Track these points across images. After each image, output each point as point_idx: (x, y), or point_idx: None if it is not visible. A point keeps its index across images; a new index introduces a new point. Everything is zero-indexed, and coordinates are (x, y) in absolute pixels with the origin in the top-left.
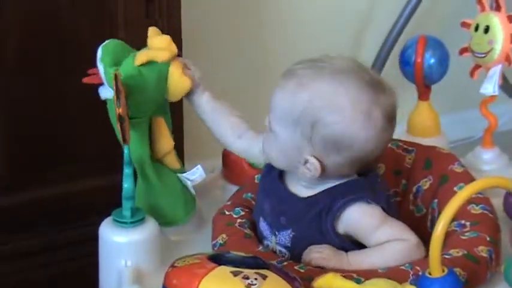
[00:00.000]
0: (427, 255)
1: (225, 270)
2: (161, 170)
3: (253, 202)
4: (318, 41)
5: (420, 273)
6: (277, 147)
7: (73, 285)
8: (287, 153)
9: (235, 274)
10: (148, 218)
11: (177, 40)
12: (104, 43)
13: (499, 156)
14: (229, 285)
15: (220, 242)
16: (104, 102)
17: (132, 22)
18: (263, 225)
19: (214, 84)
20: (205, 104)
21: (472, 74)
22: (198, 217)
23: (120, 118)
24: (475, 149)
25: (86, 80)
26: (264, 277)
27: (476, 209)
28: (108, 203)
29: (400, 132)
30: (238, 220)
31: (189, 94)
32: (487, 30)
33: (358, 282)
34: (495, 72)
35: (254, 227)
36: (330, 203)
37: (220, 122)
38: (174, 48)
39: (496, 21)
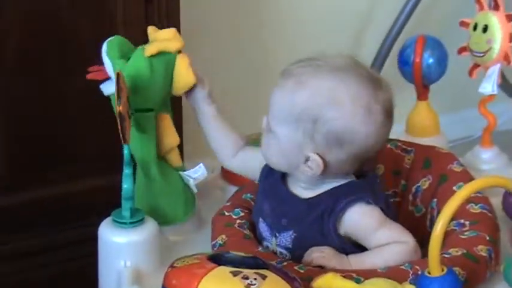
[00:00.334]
0: (426, 255)
1: (225, 270)
2: (164, 168)
3: (252, 203)
4: (318, 41)
5: (419, 272)
6: (277, 148)
7: (73, 285)
8: (287, 153)
9: (234, 274)
10: (148, 218)
11: None
12: (108, 39)
13: (498, 155)
14: (229, 285)
15: (220, 242)
16: (104, 102)
17: (131, 22)
18: (262, 226)
19: (214, 84)
20: (210, 115)
21: (470, 73)
22: (198, 217)
23: (120, 116)
24: (474, 148)
25: (90, 76)
26: (264, 277)
27: (475, 208)
28: (108, 203)
29: (399, 132)
30: (238, 221)
31: (197, 100)
32: (485, 29)
33: (358, 282)
34: (494, 71)
35: (253, 228)
36: (332, 204)
37: (222, 134)
38: (181, 39)
39: (495, 20)
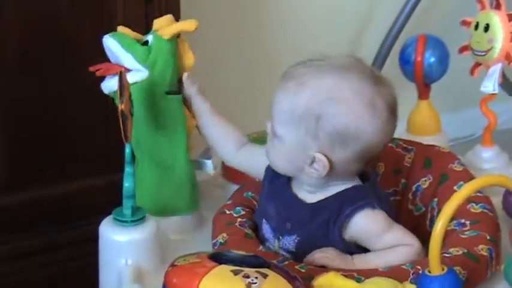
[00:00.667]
0: (426, 254)
1: (226, 269)
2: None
3: (254, 201)
4: (318, 41)
5: (420, 271)
6: (283, 152)
7: (73, 285)
8: (293, 155)
9: (235, 273)
10: (149, 217)
11: None
12: (109, 34)
13: (499, 154)
14: (230, 284)
15: (221, 241)
16: (104, 102)
17: (131, 22)
18: (266, 228)
19: (215, 84)
20: (208, 111)
21: (472, 72)
22: (199, 216)
23: (122, 115)
24: (475, 147)
25: (99, 73)
26: (265, 276)
27: (476, 208)
28: (108, 203)
29: (400, 131)
30: (239, 219)
31: (191, 96)
32: (487, 28)
33: (359, 281)
34: (495, 70)
35: (255, 226)
36: (338, 210)
37: (223, 130)
38: (193, 20)
39: (496, 19)
